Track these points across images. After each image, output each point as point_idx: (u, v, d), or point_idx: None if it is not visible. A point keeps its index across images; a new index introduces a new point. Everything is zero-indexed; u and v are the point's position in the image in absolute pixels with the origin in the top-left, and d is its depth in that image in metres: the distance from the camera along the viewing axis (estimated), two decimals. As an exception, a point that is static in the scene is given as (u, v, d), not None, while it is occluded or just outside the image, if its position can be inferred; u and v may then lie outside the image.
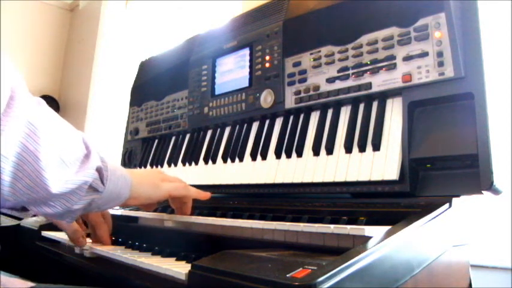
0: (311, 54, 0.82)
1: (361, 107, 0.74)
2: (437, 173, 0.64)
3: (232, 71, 0.97)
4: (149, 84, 1.27)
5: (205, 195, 0.78)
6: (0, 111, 0.47)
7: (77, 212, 0.60)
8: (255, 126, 0.91)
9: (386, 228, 0.49)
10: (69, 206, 0.57)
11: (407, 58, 0.68)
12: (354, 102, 0.75)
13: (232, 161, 0.91)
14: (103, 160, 0.61)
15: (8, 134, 0.48)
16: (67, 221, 0.63)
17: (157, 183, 0.72)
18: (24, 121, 0.50)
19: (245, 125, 0.94)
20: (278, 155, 0.82)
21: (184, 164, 1.04)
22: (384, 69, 0.70)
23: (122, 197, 0.66)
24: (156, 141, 1.20)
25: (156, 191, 0.71)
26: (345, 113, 0.76)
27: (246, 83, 0.93)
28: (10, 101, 0.49)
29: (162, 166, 1.12)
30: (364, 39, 0.74)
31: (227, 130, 0.97)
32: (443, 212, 0.55)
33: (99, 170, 0.59)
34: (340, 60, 0.77)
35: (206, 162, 0.98)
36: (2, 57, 0.49)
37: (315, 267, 0.40)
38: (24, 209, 0.59)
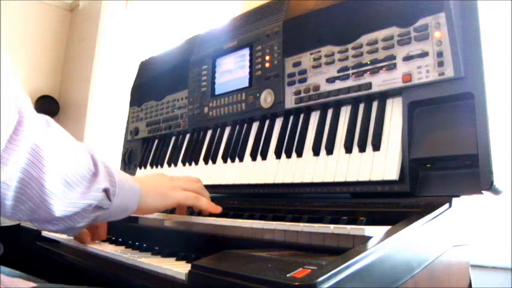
0: (311, 54, 0.81)
1: (361, 107, 0.74)
2: (437, 173, 0.64)
3: (232, 71, 0.97)
4: (149, 84, 1.27)
5: (216, 208, 0.74)
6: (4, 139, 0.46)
7: (80, 228, 0.60)
8: (255, 126, 0.91)
9: (386, 228, 0.49)
10: (72, 224, 0.57)
11: (407, 58, 0.68)
12: (354, 102, 0.75)
13: (232, 161, 0.91)
14: (111, 175, 0.59)
15: (13, 161, 0.47)
16: (69, 234, 0.62)
17: (166, 192, 0.69)
18: (29, 148, 0.49)
19: (245, 125, 0.94)
20: (278, 155, 0.82)
21: (184, 164, 1.04)
22: (383, 69, 0.70)
23: (130, 209, 0.64)
24: (156, 141, 1.20)
25: (164, 200, 0.69)
26: (344, 113, 0.76)
27: (246, 83, 0.93)
28: (17, 126, 0.48)
29: (162, 166, 1.12)
30: (364, 39, 0.74)
31: (227, 130, 0.97)
32: (443, 212, 0.55)
33: (106, 190, 0.58)
34: (340, 60, 0.77)
35: (206, 162, 0.98)
36: (6, 77, 0.47)
37: (315, 267, 0.40)
38: None
